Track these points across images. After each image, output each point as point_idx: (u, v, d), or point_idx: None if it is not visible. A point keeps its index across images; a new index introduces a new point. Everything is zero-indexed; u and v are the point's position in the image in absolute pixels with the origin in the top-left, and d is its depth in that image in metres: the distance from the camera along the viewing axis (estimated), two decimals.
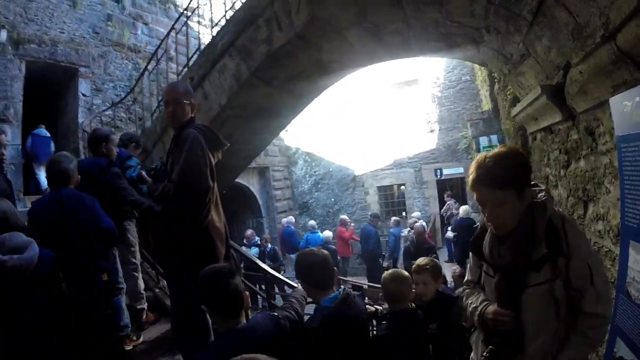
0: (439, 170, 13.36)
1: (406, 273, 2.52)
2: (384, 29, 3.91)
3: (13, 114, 6.70)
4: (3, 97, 6.69)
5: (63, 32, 7.82)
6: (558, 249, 1.41)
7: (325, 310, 2.03)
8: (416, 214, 11.39)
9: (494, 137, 8.55)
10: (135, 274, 3.90)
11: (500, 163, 1.43)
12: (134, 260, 3.92)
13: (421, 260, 2.77)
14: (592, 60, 2.29)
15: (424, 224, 8.61)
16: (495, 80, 6.43)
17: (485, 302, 1.58)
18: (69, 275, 2.44)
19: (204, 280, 1.86)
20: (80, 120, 7.70)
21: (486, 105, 9.58)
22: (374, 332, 2.42)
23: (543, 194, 1.50)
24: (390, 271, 2.58)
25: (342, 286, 2.30)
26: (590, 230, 3.02)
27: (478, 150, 8.81)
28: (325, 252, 2.23)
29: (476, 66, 9.74)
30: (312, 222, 11.34)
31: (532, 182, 1.55)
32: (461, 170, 12.91)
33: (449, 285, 4.93)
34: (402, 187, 13.83)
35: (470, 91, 12.80)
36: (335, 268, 2.27)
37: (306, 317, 2.27)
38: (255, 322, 1.91)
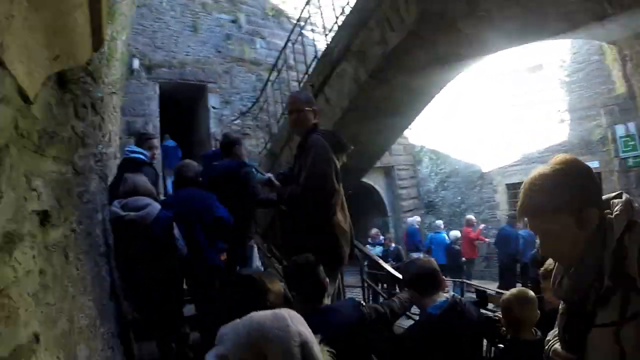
0: None
1: (532, 294, 2.15)
2: (499, 15, 3.80)
3: (152, 128, 7.97)
4: (142, 115, 8.15)
5: (189, 55, 9.02)
6: (626, 280, 1.05)
7: (425, 316, 2.08)
8: None
9: (632, 125, 7.55)
10: None
11: (548, 186, 1.16)
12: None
13: (551, 264, 2.62)
14: None
15: None
16: (627, 58, 5.65)
17: (555, 338, 1.32)
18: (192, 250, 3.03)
19: (294, 269, 2.11)
20: (212, 130, 8.78)
21: (620, 87, 8.18)
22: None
23: (619, 207, 1.12)
24: (514, 291, 2.26)
25: (451, 292, 2.26)
26: None
27: (614, 142, 7.85)
28: (432, 260, 2.24)
29: (603, 45, 8.42)
30: (438, 222, 11.10)
31: (611, 195, 1.20)
32: (597, 164, 10.76)
33: None
34: None
35: (601, 72, 10.39)
36: (442, 276, 2.21)
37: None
38: (339, 306, 2.10)
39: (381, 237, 10.35)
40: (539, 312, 2.09)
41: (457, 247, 9.87)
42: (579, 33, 4.54)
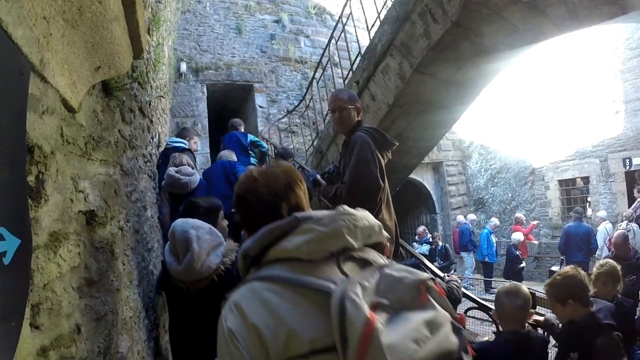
0: (628, 160, 10.61)
1: (525, 290, 2.13)
2: (545, 1, 3.60)
3: (200, 128, 8.30)
4: (192, 115, 8.47)
5: (234, 56, 9.27)
6: None
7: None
8: (602, 213, 9.53)
9: None
10: None
11: None
12: None
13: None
14: None
15: (625, 230, 6.27)
16: None
17: None
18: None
19: None
20: (259, 128, 8.95)
21: None
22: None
23: None
24: (507, 284, 2.29)
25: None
26: None
27: None
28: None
29: None
30: (494, 221, 10.69)
31: None
32: None
33: None
34: (587, 180, 11.26)
35: None
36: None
37: None
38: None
39: (428, 235, 10.13)
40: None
41: (516, 252, 9.21)
42: (632, 16, 4.19)
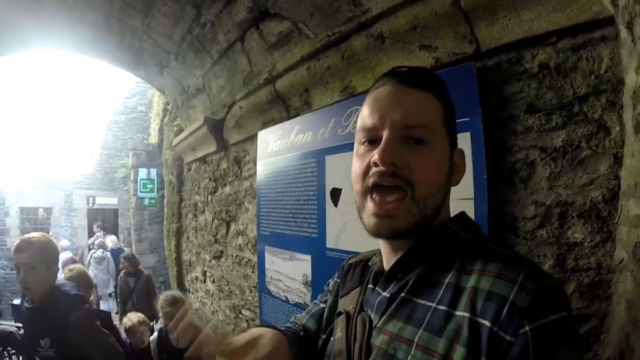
0: (92, 198, 11.76)
1: None
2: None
3: None
4: None
5: None
6: None
7: None
8: (64, 242, 9.74)
9: (154, 171, 8.82)
10: None
11: None
12: None
13: None
14: (253, 98, 2.64)
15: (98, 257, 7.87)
16: (168, 112, 6.07)
17: None
18: None
19: None
20: None
21: (153, 138, 9.53)
22: None
23: None
24: None
25: None
26: (232, 245, 3.38)
27: (135, 181, 8.76)
28: None
29: (154, 100, 9.55)
30: None
31: None
32: (115, 201, 11.68)
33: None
34: (50, 211, 11.66)
35: (142, 123, 11.55)
36: None
37: None
38: None
39: None
40: None
41: None
42: (140, 70, 4.23)
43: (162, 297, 2.81)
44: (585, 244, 1.12)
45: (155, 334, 3.14)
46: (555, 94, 1.19)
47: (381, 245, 0.77)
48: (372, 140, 0.68)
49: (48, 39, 3.89)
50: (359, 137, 0.72)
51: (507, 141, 1.30)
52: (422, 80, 0.70)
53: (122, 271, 5.10)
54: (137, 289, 5.02)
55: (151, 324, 3.73)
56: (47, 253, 1.92)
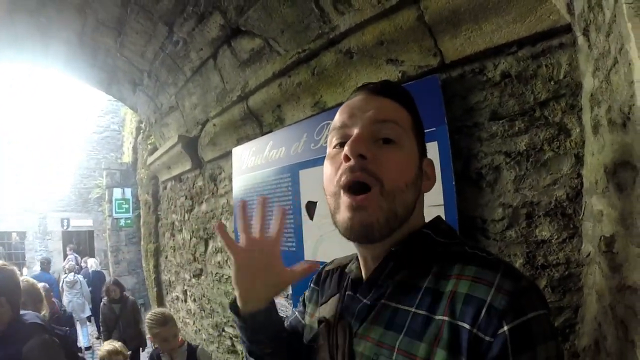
0: (66, 220, 11.61)
1: None
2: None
3: None
4: None
5: None
6: None
7: None
8: (38, 267, 9.32)
9: (128, 190, 8.64)
10: None
11: None
12: None
13: None
14: (227, 115, 2.66)
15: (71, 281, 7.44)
16: (142, 130, 6.14)
17: None
18: None
19: None
20: None
21: (127, 157, 9.35)
22: None
23: None
24: None
25: None
26: (211, 263, 3.37)
27: (110, 202, 8.69)
28: None
29: (127, 117, 9.33)
30: None
31: None
32: (90, 222, 11.63)
33: None
34: (24, 235, 11.35)
35: (115, 142, 11.58)
36: None
37: None
38: None
39: None
40: None
41: None
42: (112, 89, 4.35)
43: (149, 317, 2.61)
44: (553, 240, 1.17)
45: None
46: (517, 101, 1.25)
47: (358, 252, 0.78)
48: (343, 143, 0.70)
49: (21, 54, 3.84)
50: (330, 140, 0.74)
51: (473, 148, 1.35)
52: (392, 91, 0.74)
53: (105, 297, 4.85)
54: (122, 315, 4.81)
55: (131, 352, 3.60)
56: (7, 284, 1.87)
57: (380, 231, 0.67)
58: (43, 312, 2.66)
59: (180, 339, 2.56)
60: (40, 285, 4.74)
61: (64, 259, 10.33)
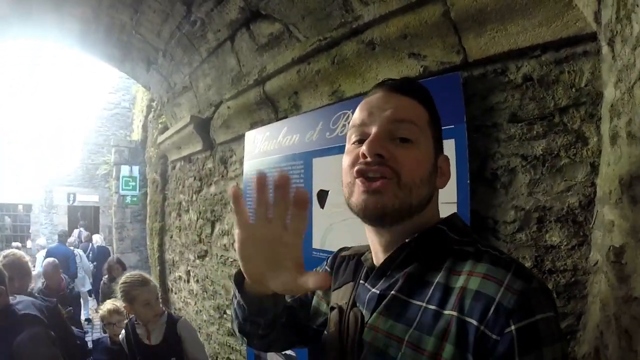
0: (72, 195, 11.60)
1: None
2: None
3: None
4: None
5: None
6: None
7: None
8: (42, 241, 9.66)
9: (136, 168, 8.65)
10: None
11: None
12: None
13: None
14: (242, 98, 2.65)
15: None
16: (153, 109, 6.08)
17: None
18: None
19: None
20: None
21: (136, 135, 9.35)
22: None
23: None
24: None
25: None
26: (217, 245, 3.39)
27: (117, 179, 8.68)
28: None
29: (138, 95, 9.30)
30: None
31: None
32: (97, 198, 11.62)
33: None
34: (29, 207, 11.48)
35: (125, 119, 11.48)
36: None
37: None
38: None
39: None
40: None
41: None
42: (126, 66, 4.31)
43: (124, 280, 2.25)
44: (562, 247, 1.17)
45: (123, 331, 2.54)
46: (537, 105, 1.24)
47: (370, 241, 0.80)
48: (361, 140, 0.72)
49: (35, 30, 3.86)
50: (349, 136, 0.77)
51: (490, 148, 1.35)
52: (411, 88, 0.76)
53: (106, 277, 4.88)
54: None
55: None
56: None
57: (392, 215, 0.68)
58: (31, 286, 2.62)
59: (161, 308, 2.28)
60: (50, 260, 4.89)
61: (69, 234, 10.49)
